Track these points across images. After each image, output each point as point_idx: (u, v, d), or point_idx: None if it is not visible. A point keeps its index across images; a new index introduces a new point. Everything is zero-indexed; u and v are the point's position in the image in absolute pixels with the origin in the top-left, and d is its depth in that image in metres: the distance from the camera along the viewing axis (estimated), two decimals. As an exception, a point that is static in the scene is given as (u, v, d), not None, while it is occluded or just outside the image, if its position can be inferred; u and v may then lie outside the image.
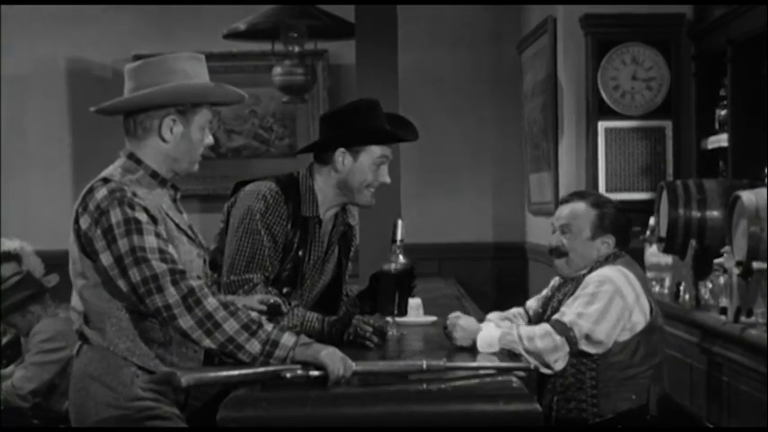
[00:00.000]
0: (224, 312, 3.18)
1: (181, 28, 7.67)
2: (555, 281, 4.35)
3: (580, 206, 4.20)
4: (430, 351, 3.83)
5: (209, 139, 3.48)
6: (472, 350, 3.78)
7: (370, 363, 3.39)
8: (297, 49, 6.61)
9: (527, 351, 3.81)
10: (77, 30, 7.72)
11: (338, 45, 7.27)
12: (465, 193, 7.91)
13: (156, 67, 3.40)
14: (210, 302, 3.18)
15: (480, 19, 7.88)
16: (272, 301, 3.86)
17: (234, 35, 6.59)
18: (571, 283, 4.14)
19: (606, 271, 4.04)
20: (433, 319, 4.55)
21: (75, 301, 3.37)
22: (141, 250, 3.20)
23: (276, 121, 7.84)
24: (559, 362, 3.88)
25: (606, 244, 4.16)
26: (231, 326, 3.18)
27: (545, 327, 3.89)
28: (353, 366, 3.18)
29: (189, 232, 3.47)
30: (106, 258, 3.24)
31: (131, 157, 3.39)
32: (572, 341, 3.87)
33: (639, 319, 4.00)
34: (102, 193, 3.26)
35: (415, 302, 4.47)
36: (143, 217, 3.24)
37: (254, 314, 3.26)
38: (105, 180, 3.30)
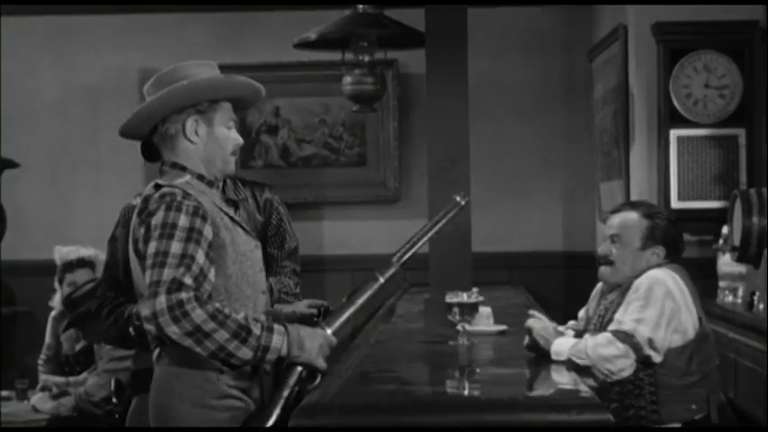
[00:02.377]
0: (213, 324, 3.18)
1: (252, 37, 7.72)
2: (598, 288, 4.34)
3: (631, 216, 4.19)
4: (501, 360, 3.83)
5: (238, 138, 3.51)
6: (546, 356, 3.77)
7: (336, 317, 3.45)
8: (367, 58, 6.62)
9: (592, 361, 3.79)
10: (149, 40, 7.79)
11: (408, 54, 7.27)
12: (535, 201, 7.88)
13: (168, 77, 3.45)
14: (198, 315, 3.17)
15: (550, 27, 7.85)
16: (319, 303, 3.93)
17: (304, 45, 6.62)
18: (618, 290, 4.12)
19: (655, 273, 4.03)
20: (502, 327, 4.54)
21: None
22: (163, 255, 3.22)
23: (346, 130, 7.86)
24: (626, 370, 3.86)
25: (656, 255, 4.14)
26: (221, 335, 3.19)
27: (606, 336, 3.87)
28: (333, 340, 3.36)
29: (244, 225, 3.50)
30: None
31: (175, 165, 3.43)
32: (636, 347, 3.85)
33: (689, 323, 3.99)
34: (154, 197, 3.31)
35: (485, 311, 4.46)
36: (184, 222, 3.26)
37: (242, 320, 3.24)
38: (158, 186, 3.36)
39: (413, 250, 3.67)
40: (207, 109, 3.43)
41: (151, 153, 3.86)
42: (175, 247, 3.23)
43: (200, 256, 3.25)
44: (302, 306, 3.84)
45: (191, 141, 3.42)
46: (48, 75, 7.93)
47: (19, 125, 7.85)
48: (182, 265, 3.21)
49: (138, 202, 4.14)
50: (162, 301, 3.17)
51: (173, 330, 3.16)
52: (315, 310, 3.94)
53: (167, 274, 3.19)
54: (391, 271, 3.63)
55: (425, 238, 3.72)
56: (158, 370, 3.38)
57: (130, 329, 4.14)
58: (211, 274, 3.27)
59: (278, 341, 3.26)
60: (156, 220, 3.27)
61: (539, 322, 3.94)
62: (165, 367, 3.35)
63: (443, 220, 3.76)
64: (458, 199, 3.84)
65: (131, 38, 7.86)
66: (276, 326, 3.30)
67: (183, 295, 3.17)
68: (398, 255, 3.65)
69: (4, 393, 5.97)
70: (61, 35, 7.93)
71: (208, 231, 3.29)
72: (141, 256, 3.29)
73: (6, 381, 6.14)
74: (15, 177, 7.40)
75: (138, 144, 3.67)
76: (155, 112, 3.42)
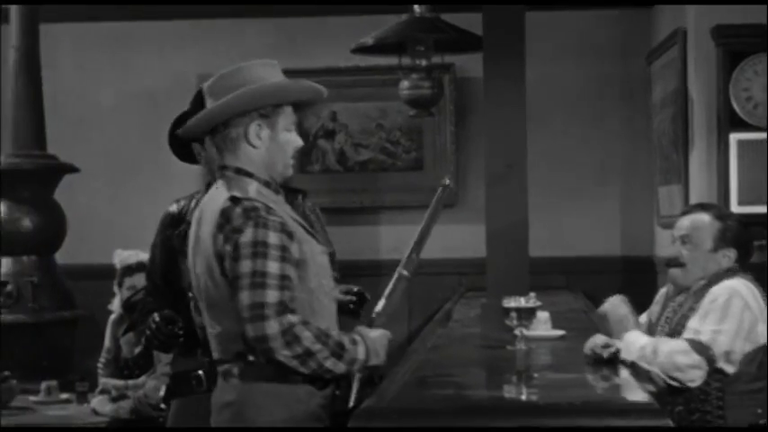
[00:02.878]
0: (318, 345, 3.21)
1: (309, 42, 7.75)
2: (664, 290, 4.31)
3: (703, 218, 4.15)
4: (559, 365, 3.81)
5: (299, 141, 3.50)
6: (604, 362, 3.74)
7: (381, 317, 3.49)
8: (424, 62, 6.62)
9: (662, 367, 3.77)
10: (208, 45, 7.84)
11: (465, 58, 7.27)
12: (592, 205, 7.84)
13: (231, 78, 3.42)
14: (307, 337, 3.20)
15: (607, 30, 7.82)
16: (355, 290, 3.94)
17: (362, 49, 6.63)
18: (687, 294, 4.09)
19: (733, 283, 3.99)
20: (560, 333, 4.52)
21: (225, 324, 3.33)
22: (261, 275, 3.21)
23: (403, 134, 7.87)
24: (697, 380, 3.84)
25: (727, 257, 4.11)
26: (323, 354, 3.22)
27: (683, 344, 3.84)
28: (390, 336, 3.40)
29: (313, 233, 3.50)
30: (230, 274, 3.25)
31: (239, 171, 3.40)
32: (711, 359, 3.82)
33: (762, 332, 3.95)
34: (236, 212, 3.27)
35: (542, 316, 4.45)
36: (274, 239, 3.25)
37: (336, 336, 3.29)
38: (236, 199, 3.30)
39: (425, 240, 3.73)
40: (271, 113, 3.41)
41: (184, 154, 3.88)
42: (272, 267, 3.23)
43: (294, 275, 3.28)
44: (338, 293, 3.85)
45: (253, 146, 3.39)
46: (107, 80, 8.01)
47: (79, 130, 7.93)
48: (283, 287, 3.22)
49: (176, 209, 4.18)
50: (273, 325, 3.18)
51: (284, 354, 3.19)
52: (352, 297, 3.97)
53: (272, 296, 3.20)
54: (413, 265, 3.66)
55: (432, 226, 3.79)
56: (239, 385, 3.33)
57: (147, 332, 4.17)
58: (298, 291, 3.28)
59: (362, 352, 3.30)
60: (246, 238, 3.24)
61: (617, 309, 3.91)
62: (247, 387, 3.32)
63: (440, 206, 3.81)
64: (446, 182, 3.90)
65: (190, 43, 7.92)
66: (356, 336, 3.34)
67: (293, 319, 3.20)
68: (414, 248, 3.71)
69: (65, 396, 6.03)
70: (121, 41, 8.01)
71: (295, 250, 3.30)
72: (229, 274, 3.26)
73: (66, 383, 6.19)
74: (75, 182, 7.47)
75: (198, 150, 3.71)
76: (217, 118, 3.40)
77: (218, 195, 3.36)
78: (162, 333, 4.03)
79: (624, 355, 3.81)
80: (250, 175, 3.39)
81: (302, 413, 3.29)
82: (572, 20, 7.79)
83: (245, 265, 3.22)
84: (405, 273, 3.60)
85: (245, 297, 3.21)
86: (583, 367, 3.72)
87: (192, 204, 4.16)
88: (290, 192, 4.24)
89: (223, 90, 3.40)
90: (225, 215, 3.28)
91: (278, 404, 3.28)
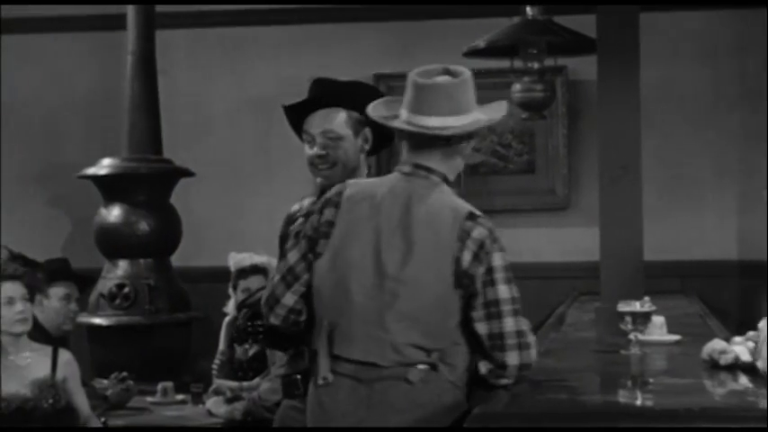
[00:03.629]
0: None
1: (421, 46, 7.74)
2: None
3: None
4: (675, 370, 3.77)
5: None
6: (722, 368, 3.68)
7: None
8: (536, 65, 6.59)
9: None
10: (320, 50, 7.89)
11: (577, 61, 7.21)
12: (708, 208, 7.72)
13: (471, 89, 3.56)
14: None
15: (724, 29, 7.70)
16: None
17: (473, 53, 6.62)
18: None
19: None
20: (676, 337, 4.47)
21: (419, 331, 3.37)
22: (517, 302, 3.36)
23: (514, 137, 7.83)
24: None
25: None
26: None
27: None
28: None
29: None
30: (482, 296, 3.35)
31: (446, 180, 3.55)
32: None
33: None
34: (480, 231, 3.39)
35: (658, 321, 4.40)
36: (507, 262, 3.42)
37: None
38: (473, 215, 3.44)
39: None
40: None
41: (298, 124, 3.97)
42: (516, 291, 3.39)
43: None
44: None
45: (460, 159, 3.57)
46: (221, 85, 8.10)
47: (194, 134, 8.04)
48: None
49: (299, 207, 4.19)
50: (533, 355, 3.38)
51: (521, 376, 3.40)
52: None
53: (527, 324, 3.39)
54: None
55: None
56: (422, 390, 3.37)
57: (249, 327, 4.20)
58: None
59: None
60: (497, 262, 3.36)
61: None
62: (436, 398, 3.38)
63: None
64: None
65: (302, 48, 7.96)
66: None
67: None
68: None
69: (180, 397, 6.11)
70: (234, 46, 8.10)
71: None
72: (480, 296, 3.36)
73: (182, 385, 6.27)
74: (190, 186, 7.57)
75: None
76: (473, 132, 3.53)
77: (439, 196, 3.49)
78: (239, 329, 4.10)
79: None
80: (450, 186, 3.57)
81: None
82: (687, 20, 7.69)
83: (503, 291, 3.35)
84: None
85: (509, 324, 3.33)
86: (700, 373, 3.66)
87: (307, 203, 4.18)
88: None
89: (465, 99, 3.52)
90: (465, 229, 3.39)
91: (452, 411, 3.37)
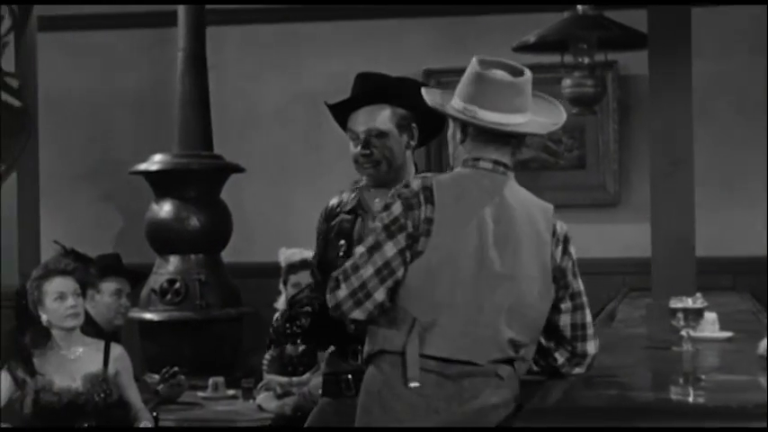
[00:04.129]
0: None
1: (470, 41, 7.73)
2: None
3: None
4: (728, 367, 3.74)
5: None
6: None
7: None
8: (587, 60, 6.55)
9: None
10: (370, 46, 7.90)
11: (628, 56, 7.17)
12: (761, 204, 7.64)
13: (529, 89, 3.60)
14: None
15: (777, 25, 7.63)
16: None
17: (523, 48, 6.60)
18: None
19: None
20: (728, 334, 4.43)
21: (520, 327, 3.38)
22: (585, 294, 3.49)
23: (565, 133, 7.80)
24: None
25: None
26: None
27: None
28: None
29: None
30: (563, 288, 3.45)
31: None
32: None
33: None
34: (563, 226, 3.50)
35: (710, 317, 4.36)
36: None
37: None
38: (553, 211, 3.52)
39: None
40: None
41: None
42: None
43: None
44: None
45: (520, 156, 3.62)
46: (271, 81, 8.13)
47: (244, 130, 8.08)
48: None
49: (338, 201, 4.16)
50: (597, 344, 3.53)
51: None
52: None
53: (590, 315, 3.52)
54: None
55: None
56: (497, 393, 3.37)
57: (288, 329, 4.20)
58: None
59: None
60: (575, 255, 3.50)
61: None
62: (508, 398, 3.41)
63: None
64: None
65: (352, 44, 7.97)
66: None
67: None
68: None
69: (231, 392, 6.14)
70: (285, 42, 8.12)
71: None
72: (567, 287, 3.47)
73: (233, 380, 6.30)
74: (241, 181, 7.61)
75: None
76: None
77: (524, 193, 3.54)
78: (277, 331, 4.08)
79: None
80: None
81: None
82: (739, 14, 7.62)
83: (581, 283, 3.49)
84: None
85: (588, 315, 3.48)
86: (754, 370, 3.63)
87: (345, 197, 4.15)
88: None
89: (525, 99, 3.59)
90: (553, 224, 3.49)
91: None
